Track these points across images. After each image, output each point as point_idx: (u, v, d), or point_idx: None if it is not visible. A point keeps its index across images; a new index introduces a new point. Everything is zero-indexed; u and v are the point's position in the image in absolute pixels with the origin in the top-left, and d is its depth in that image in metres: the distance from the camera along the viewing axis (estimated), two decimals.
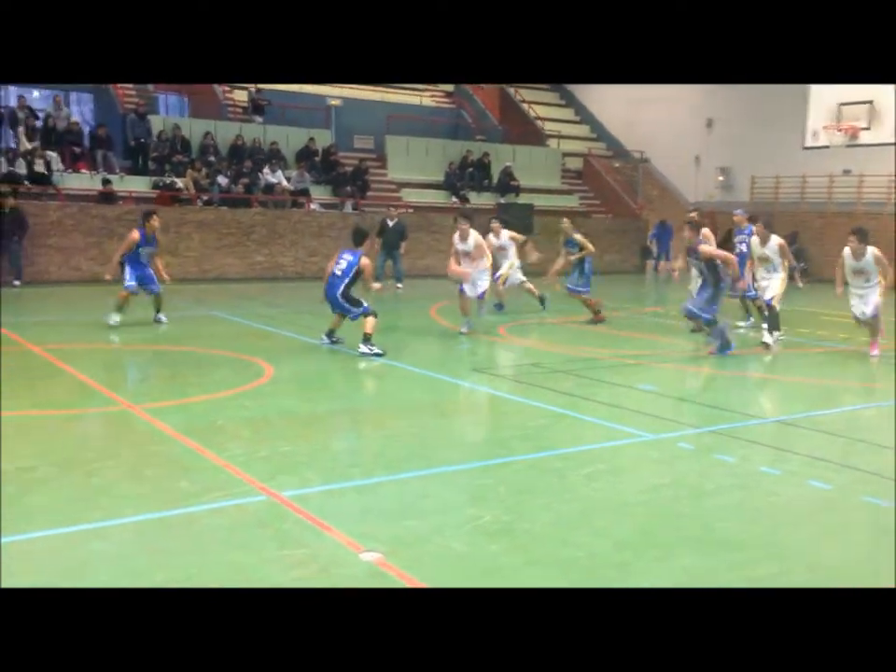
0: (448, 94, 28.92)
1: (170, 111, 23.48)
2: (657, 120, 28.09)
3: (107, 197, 17.91)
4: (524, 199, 24.19)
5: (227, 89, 23.51)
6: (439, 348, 10.89)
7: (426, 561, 4.10)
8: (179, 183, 19.03)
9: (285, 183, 20.56)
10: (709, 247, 10.51)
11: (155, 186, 18.79)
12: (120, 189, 18.35)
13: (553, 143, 28.26)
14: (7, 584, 3.71)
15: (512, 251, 13.75)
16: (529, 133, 28.05)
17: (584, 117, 31.29)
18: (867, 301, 10.04)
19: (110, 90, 21.68)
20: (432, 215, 22.19)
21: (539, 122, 28.91)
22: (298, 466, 5.56)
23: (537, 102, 29.83)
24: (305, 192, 20.77)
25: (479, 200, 23.75)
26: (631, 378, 8.88)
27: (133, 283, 11.28)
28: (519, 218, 23.68)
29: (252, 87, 23.05)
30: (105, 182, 18.01)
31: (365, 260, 9.75)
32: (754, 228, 11.47)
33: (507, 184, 24.28)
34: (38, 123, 18.52)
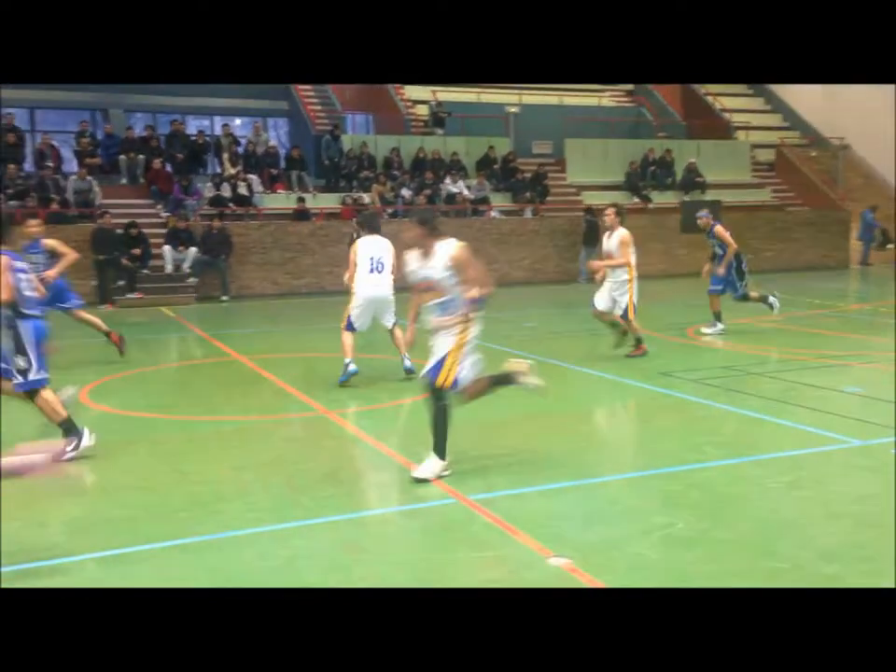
0: (628, 93, 28.34)
1: (357, 129, 24.55)
2: (858, 103, 26.12)
3: (302, 214, 18.99)
4: (710, 195, 23.26)
5: (409, 104, 24.27)
6: (626, 351, 10.68)
7: (616, 568, 4.02)
8: (366, 198, 19.84)
9: (465, 192, 20.93)
10: None
11: (343, 202, 19.71)
12: (313, 206, 19.39)
13: (741, 135, 26.99)
14: (225, 580, 4.00)
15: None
16: (715, 127, 26.93)
17: (776, 105, 29.65)
18: None
19: (303, 112, 22.97)
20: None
21: (725, 115, 27.71)
22: (484, 470, 5.62)
23: (723, 94, 28.60)
24: (485, 200, 21.05)
25: (662, 199, 23.09)
26: (835, 380, 8.30)
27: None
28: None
29: (433, 100, 23.66)
30: (300, 200, 19.10)
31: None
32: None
33: (691, 181, 23.46)
34: (240, 149, 19.93)
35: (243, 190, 18.77)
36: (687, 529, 4.48)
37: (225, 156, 19.39)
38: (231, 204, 18.54)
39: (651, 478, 5.45)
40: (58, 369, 9.51)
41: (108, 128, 19.83)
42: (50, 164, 17.68)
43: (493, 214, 21.04)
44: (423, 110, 24.30)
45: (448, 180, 21.02)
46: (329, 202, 19.86)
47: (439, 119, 23.36)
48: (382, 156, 21.31)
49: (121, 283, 16.32)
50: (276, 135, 24.79)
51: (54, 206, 16.81)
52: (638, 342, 9.73)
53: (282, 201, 19.35)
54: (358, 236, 8.97)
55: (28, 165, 18.37)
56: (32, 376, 5.82)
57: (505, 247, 20.02)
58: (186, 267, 16.96)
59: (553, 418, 7.23)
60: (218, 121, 23.58)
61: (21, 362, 5.78)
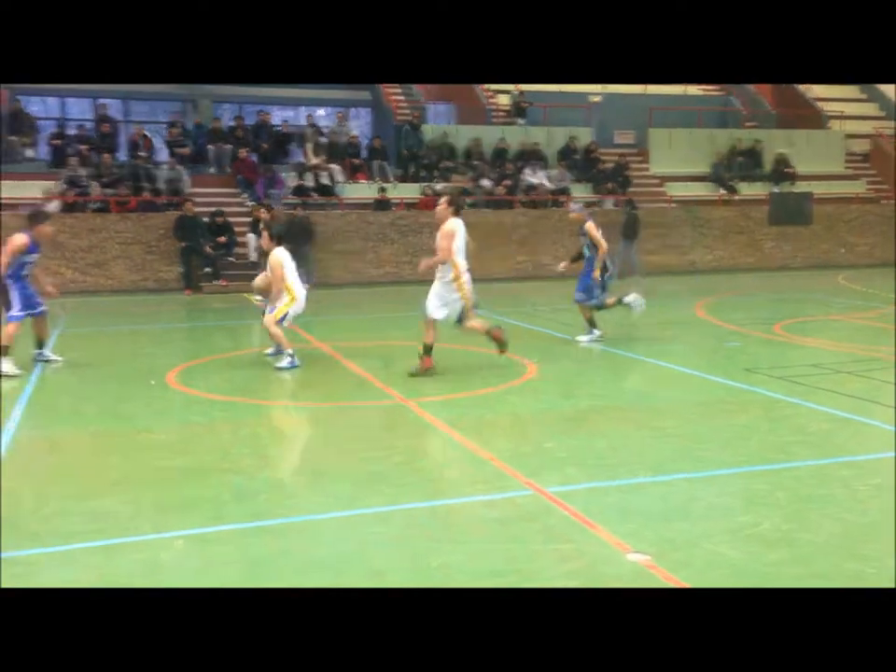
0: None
1: (438, 119, 24.60)
2: None
3: (382, 204, 19.15)
4: (800, 187, 22.51)
5: (490, 94, 24.18)
6: (707, 346, 10.43)
7: (696, 566, 3.94)
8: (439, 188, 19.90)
9: (546, 183, 20.76)
10: None
11: (423, 192, 19.79)
12: (393, 196, 19.53)
13: (834, 125, 26.01)
14: (301, 563, 4.07)
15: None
16: (807, 117, 26.01)
17: (871, 95, 28.46)
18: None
19: (385, 102, 23.14)
20: (697, 208, 21.33)
21: (818, 104, 26.74)
22: (561, 462, 5.58)
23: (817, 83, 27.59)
24: (566, 191, 20.83)
25: (750, 190, 22.44)
26: None
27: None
28: (795, 208, 22.09)
29: (515, 89, 23.51)
30: (381, 190, 19.26)
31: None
32: None
33: (781, 172, 22.73)
34: (323, 139, 20.21)
35: (325, 180, 19.03)
36: (771, 529, 4.35)
37: (308, 146, 19.69)
38: (313, 194, 18.82)
39: (735, 476, 5.32)
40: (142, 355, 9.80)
41: (197, 118, 20.35)
42: (143, 153, 18.26)
43: (572, 205, 20.77)
44: (504, 100, 24.16)
45: (528, 171, 20.88)
46: (409, 192, 19.96)
47: (520, 108, 23.20)
48: (462, 146, 21.30)
49: (207, 270, 16.76)
50: (359, 125, 25.04)
51: (146, 195, 17.36)
52: (427, 350, 8.21)
53: (363, 190, 19.55)
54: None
55: (122, 154, 19.02)
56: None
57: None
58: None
59: (630, 412, 7.12)
60: (303, 111, 23.93)
61: None
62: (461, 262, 8.17)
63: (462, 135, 21.58)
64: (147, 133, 19.30)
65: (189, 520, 4.63)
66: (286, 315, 8.93)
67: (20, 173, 17.53)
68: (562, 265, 10.93)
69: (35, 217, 8.97)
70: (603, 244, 10.13)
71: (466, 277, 8.23)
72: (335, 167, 19.44)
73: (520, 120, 23.05)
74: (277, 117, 22.47)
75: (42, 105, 22.73)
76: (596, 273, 10.06)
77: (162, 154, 19.46)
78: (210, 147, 19.22)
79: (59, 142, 18.09)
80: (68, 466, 5.74)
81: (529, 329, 11.63)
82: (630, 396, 8.08)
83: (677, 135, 23.32)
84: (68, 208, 16.79)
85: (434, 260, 8.22)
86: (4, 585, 3.68)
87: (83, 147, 18.04)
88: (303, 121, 21.61)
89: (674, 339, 10.84)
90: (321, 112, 25.00)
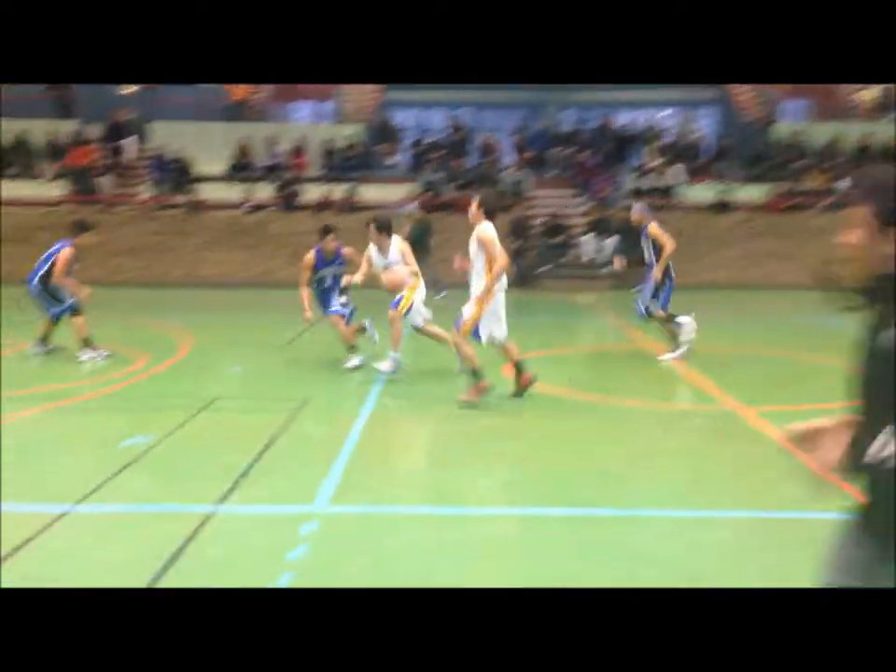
0: None
1: (791, 116, 23.07)
2: None
3: (723, 206, 18.44)
4: None
5: (854, 88, 22.16)
6: None
7: None
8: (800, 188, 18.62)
9: None
10: None
11: (772, 194, 18.68)
12: (737, 198, 18.71)
13: None
14: (630, 554, 4.13)
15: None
16: None
17: None
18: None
19: (732, 100, 22.22)
20: None
21: None
22: None
23: None
24: None
25: None
26: None
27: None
28: None
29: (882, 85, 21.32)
30: (723, 192, 18.56)
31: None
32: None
33: None
34: (665, 141, 19.96)
35: (664, 182, 18.78)
36: None
37: (649, 147, 19.56)
38: (651, 195, 18.67)
39: None
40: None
41: (543, 123, 21.14)
42: (491, 158, 19.39)
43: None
44: (869, 94, 22.00)
45: None
46: (754, 193, 19.00)
47: (888, 102, 21.00)
48: (818, 144, 19.80)
49: (542, 269, 17.37)
50: (704, 125, 24.32)
51: None
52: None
53: (704, 192, 18.98)
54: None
55: (472, 159, 20.36)
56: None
57: None
58: (604, 255, 17.50)
59: None
60: (645, 113, 23.80)
61: None
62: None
63: (818, 132, 20.04)
64: (495, 138, 20.47)
65: (519, 499, 4.91)
66: (411, 307, 8.18)
67: (383, 178, 19.53)
68: (617, 263, 9.61)
69: (80, 226, 9.23)
70: (669, 243, 9.26)
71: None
72: (676, 168, 19.11)
73: (890, 114, 20.85)
74: (621, 119, 22.58)
75: (406, 115, 25.05)
76: (657, 273, 9.29)
77: (509, 158, 20.51)
78: (552, 150, 19.88)
79: (418, 149, 19.84)
80: (415, 440, 6.35)
81: None
82: None
83: None
84: (424, 209, 18.36)
85: (495, 273, 6.97)
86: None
87: (438, 153, 19.61)
88: (646, 123, 21.50)
89: None
90: (664, 113, 24.65)
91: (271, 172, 18.95)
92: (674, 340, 9.29)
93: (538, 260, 17.47)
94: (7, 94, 20.24)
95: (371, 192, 18.83)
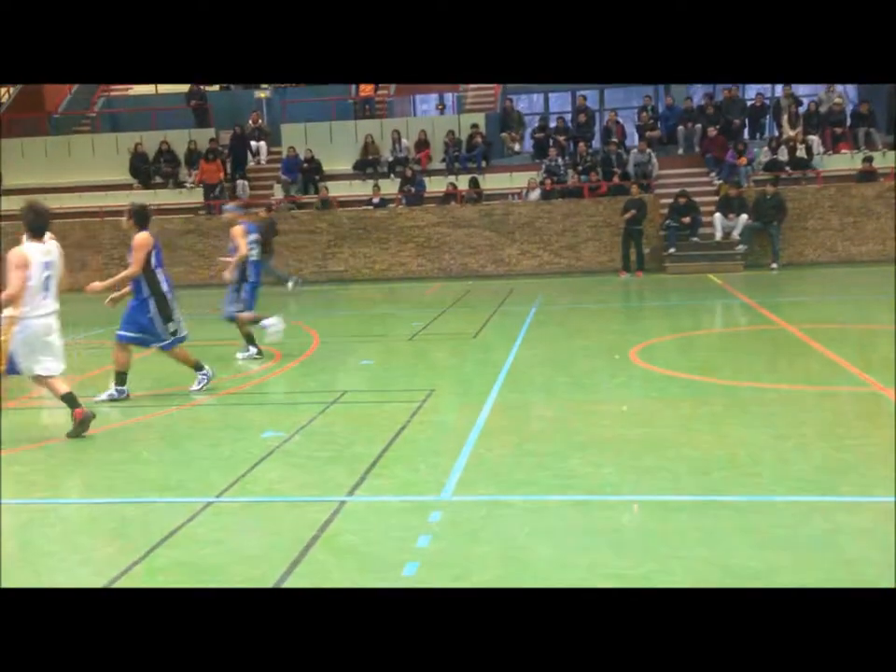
0: None
1: None
2: None
3: (867, 175, 17.37)
4: None
5: None
6: None
7: None
8: None
9: None
10: None
11: None
12: (882, 165, 17.58)
13: None
14: (760, 542, 4.00)
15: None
16: None
17: None
18: None
19: None
20: None
21: None
22: None
23: None
24: None
25: None
26: None
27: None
28: None
29: None
30: (866, 160, 17.48)
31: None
32: None
33: None
34: (801, 109, 18.96)
35: (801, 153, 17.87)
36: None
37: (784, 118, 18.66)
38: (787, 168, 17.81)
39: None
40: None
41: (669, 100, 20.51)
42: (615, 140, 19.00)
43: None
44: None
45: None
46: None
47: None
48: None
49: (671, 251, 16.89)
50: (843, 89, 22.96)
51: (616, 179, 18.06)
52: None
53: (845, 161, 17.94)
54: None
55: (596, 142, 20.01)
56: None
57: None
58: (735, 234, 16.84)
59: None
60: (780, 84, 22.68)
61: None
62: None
63: None
64: (619, 119, 20.03)
65: (647, 486, 4.83)
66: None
67: (507, 165, 19.50)
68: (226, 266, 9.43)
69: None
70: (245, 247, 9.05)
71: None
72: (813, 138, 18.14)
73: None
74: (751, 90, 21.62)
75: (528, 101, 24.90)
76: (227, 274, 9.09)
77: (633, 139, 20.04)
78: (680, 127, 19.27)
79: (541, 135, 19.68)
80: (541, 428, 6.35)
81: None
82: None
83: None
84: (546, 195, 18.22)
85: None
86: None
87: (562, 137, 19.40)
88: (780, 93, 20.50)
89: None
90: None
91: (396, 166, 19.29)
92: (250, 342, 9.16)
93: (665, 242, 17.01)
94: (150, 106, 21.54)
95: (494, 181, 18.86)
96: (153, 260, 7.27)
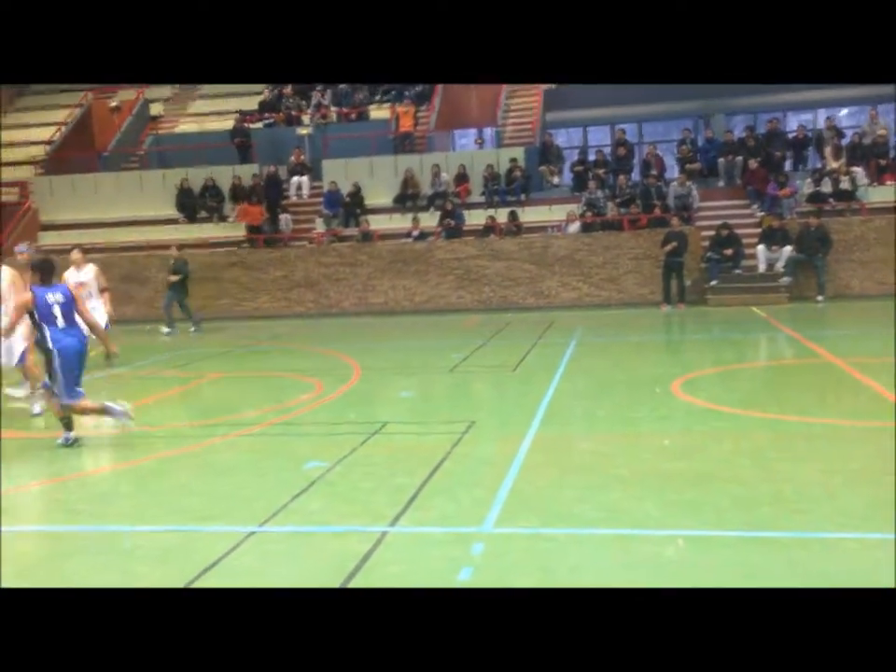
0: None
1: None
2: None
3: None
4: None
5: None
6: None
7: None
8: None
9: None
10: None
11: None
12: None
13: None
14: (805, 576, 3.92)
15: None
16: None
17: None
18: None
19: None
20: None
21: None
22: None
23: None
24: None
25: None
26: None
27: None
28: None
29: None
30: None
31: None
32: None
33: None
34: (844, 141, 18.80)
35: (845, 185, 17.68)
36: None
37: (827, 149, 18.50)
38: (830, 200, 17.62)
39: None
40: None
41: (709, 133, 20.47)
42: (654, 172, 18.99)
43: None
44: None
45: None
46: None
47: None
48: None
49: (713, 283, 16.75)
50: (889, 121, 22.75)
51: (656, 212, 18.01)
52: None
53: (890, 193, 17.70)
54: None
55: (635, 174, 20.00)
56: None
57: None
58: (779, 266, 16.67)
59: None
60: (822, 114, 22.56)
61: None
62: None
63: None
64: (658, 152, 20.04)
65: (690, 521, 4.76)
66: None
67: (546, 198, 19.57)
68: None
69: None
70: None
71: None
72: (858, 170, 17.95)
73: None
74: (793, 121, 21.54)
75: (566, 135, 25.02)
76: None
77: (673, 171, 20.00)
78: (720, 160, 19.20)
79: (580, 168, 19.75)
80: (582, 461, 6.30)
81: None
82: None
83: None
84: (586, 228, 18.22)
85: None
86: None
87: (601, 171, 19.43)
88: (822, 124, 20.38)
89: None
90: (843, 112, 23.27)
91: (436, 199, 19.46)
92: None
93: (707, 274, 16.87)
94: (195, 144, 22.06)
95: (533, 214, 18.92)
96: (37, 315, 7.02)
